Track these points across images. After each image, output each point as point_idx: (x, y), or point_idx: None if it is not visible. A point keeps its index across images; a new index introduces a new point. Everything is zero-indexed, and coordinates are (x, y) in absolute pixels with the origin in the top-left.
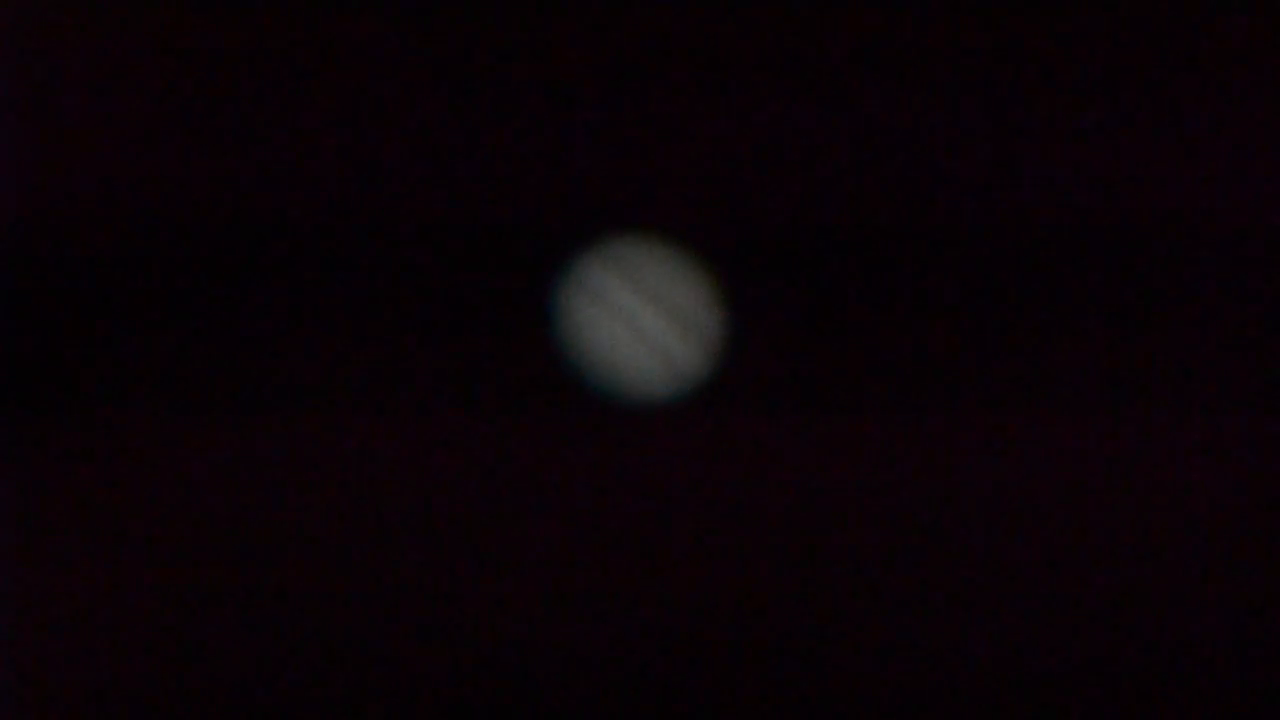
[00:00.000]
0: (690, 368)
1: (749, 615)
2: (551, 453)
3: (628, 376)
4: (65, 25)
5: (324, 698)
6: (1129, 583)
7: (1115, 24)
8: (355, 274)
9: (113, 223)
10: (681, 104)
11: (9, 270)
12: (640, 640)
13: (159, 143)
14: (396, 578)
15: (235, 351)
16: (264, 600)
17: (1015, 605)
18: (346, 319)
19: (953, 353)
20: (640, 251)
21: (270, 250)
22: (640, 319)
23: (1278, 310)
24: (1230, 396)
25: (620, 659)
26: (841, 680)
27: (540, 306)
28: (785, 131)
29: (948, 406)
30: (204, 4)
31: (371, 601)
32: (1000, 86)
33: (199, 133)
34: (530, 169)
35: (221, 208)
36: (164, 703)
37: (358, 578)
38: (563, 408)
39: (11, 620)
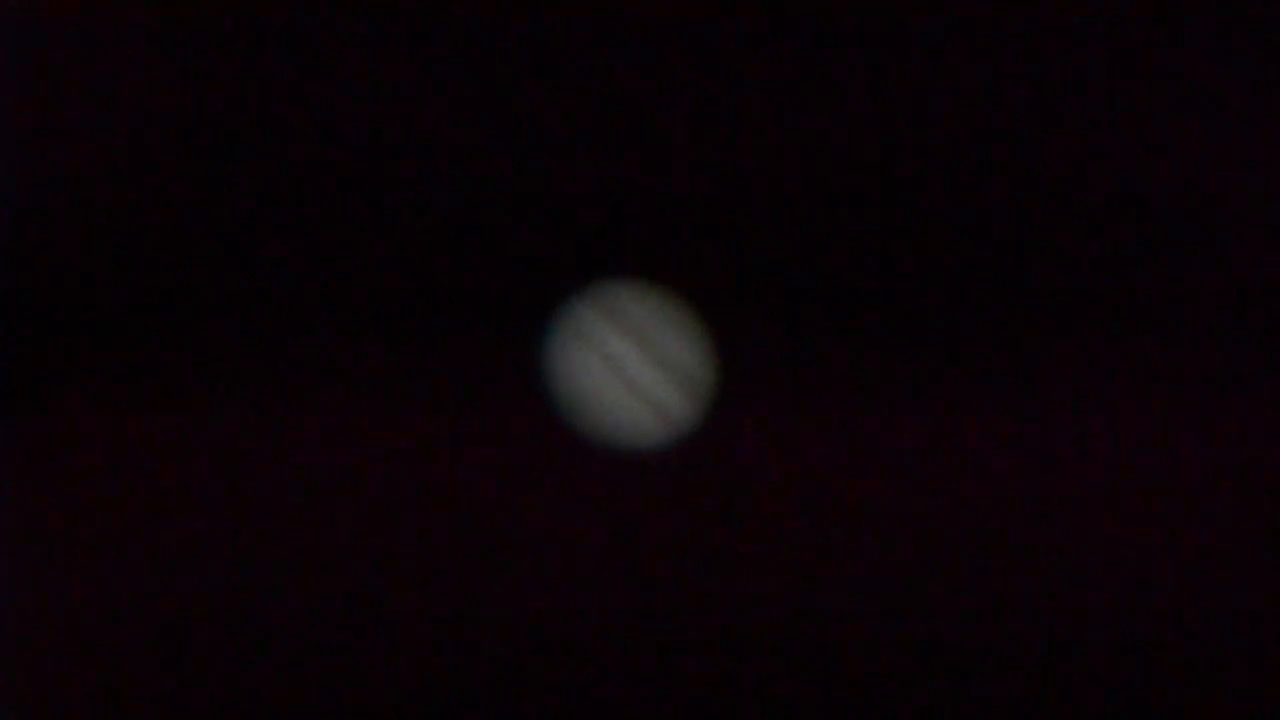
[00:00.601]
0: (677, 417)
1: (727, 662)
2: (537, 489)
3: (613, 421)
4: (66, 24)
5: (321, 697)
6: (1128, 581)
7: (1113, 24)
8: (352, 294)
9: (111, 222)
10: (681, 145)
11: (8, 270)
12: (614, 669)
13: (158, 142)
14: (387, 585)
15: (233, 352)
16: (260, 599)
17: (1016, 605)
18: (342, 334)
19: (949, 404)
20: (633, 298)
21: (268, 260)
22: (630, 366)
23: (1277, 309)
24: (1230, 396)
25: (596, 678)
26: (846, 704)
27: (532, 348)
28: (782, 174)
29: (943, 454)
30: (204, 4)
31: (365, 605)
32: (992, 97)
33: (198, 133)
34: (530, 208)
35: (220, 209)
36: (163, 702)
37: (353, 579)
38: (549, 447)
39: (10, 620)
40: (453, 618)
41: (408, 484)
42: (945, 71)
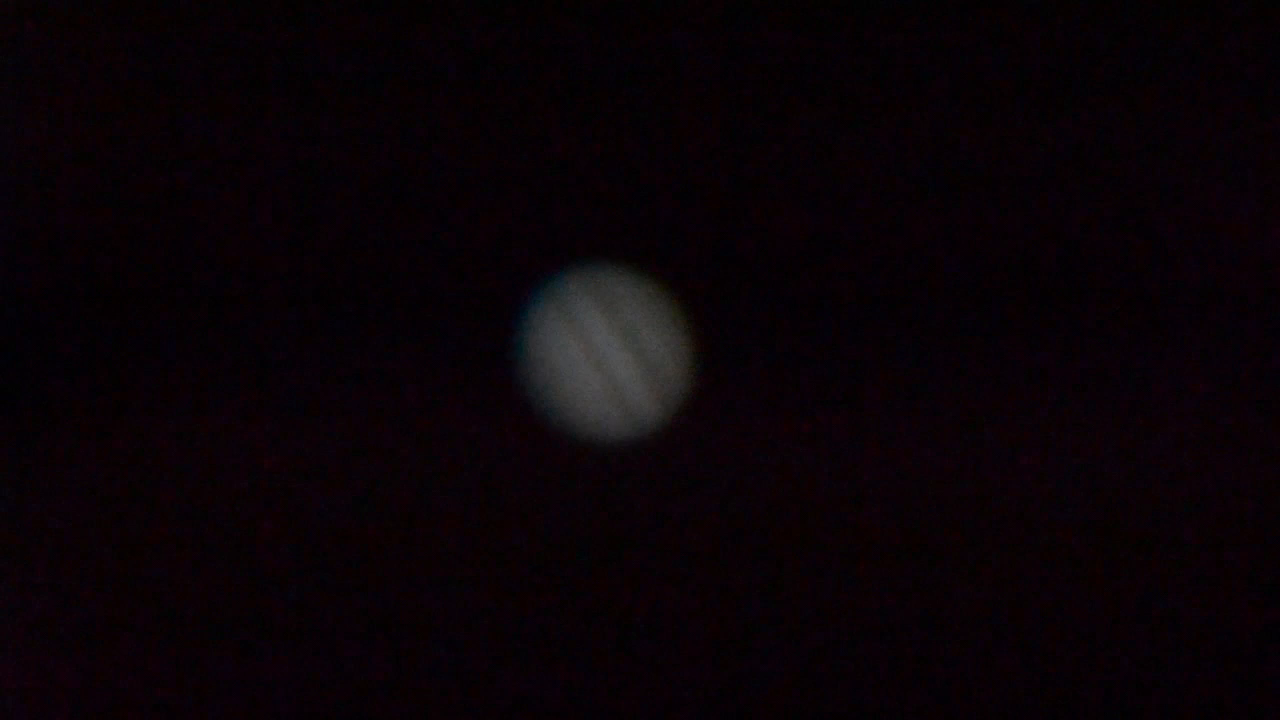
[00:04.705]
0: (647, 413)
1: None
2: (509, 478)
3: (584, 410)
4: (66, 25)
5: (318, 695)
6: (1126, 580)
7: (1113, 27)
8: (340, 285)
9: (111, 223)
10: (671, 135)
11: (8, 270)
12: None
13: (155, 143)
14: (379, 580)
15: (231, 354)
16: (256, 599)
17: (1011, 608)
18: (331, 328)
19: (930, 401)
20: (620, 286)
21: (260, 259)
22: (608, 356)
23: (1277, 311)
24: (1229, 397)
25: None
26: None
27: (509, 336)
28: (769, 168)
29: (928, 461)
30: (203, 13)
31: (360, 601)
32: (985, 96)
33: (195, 136)
34: (523, 192)
35: (217, 210)
36: (162, 702)
37: (346, 578)
38: (524, 436)
39: (9, 620)
40: (442, 611)
41: (392, 476)
42: (938, 67)
